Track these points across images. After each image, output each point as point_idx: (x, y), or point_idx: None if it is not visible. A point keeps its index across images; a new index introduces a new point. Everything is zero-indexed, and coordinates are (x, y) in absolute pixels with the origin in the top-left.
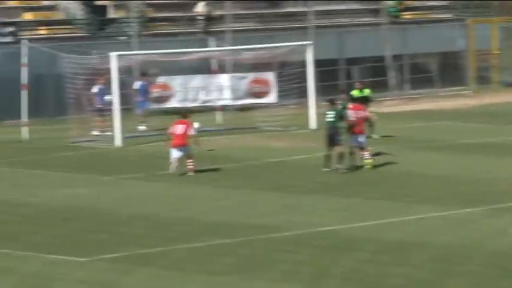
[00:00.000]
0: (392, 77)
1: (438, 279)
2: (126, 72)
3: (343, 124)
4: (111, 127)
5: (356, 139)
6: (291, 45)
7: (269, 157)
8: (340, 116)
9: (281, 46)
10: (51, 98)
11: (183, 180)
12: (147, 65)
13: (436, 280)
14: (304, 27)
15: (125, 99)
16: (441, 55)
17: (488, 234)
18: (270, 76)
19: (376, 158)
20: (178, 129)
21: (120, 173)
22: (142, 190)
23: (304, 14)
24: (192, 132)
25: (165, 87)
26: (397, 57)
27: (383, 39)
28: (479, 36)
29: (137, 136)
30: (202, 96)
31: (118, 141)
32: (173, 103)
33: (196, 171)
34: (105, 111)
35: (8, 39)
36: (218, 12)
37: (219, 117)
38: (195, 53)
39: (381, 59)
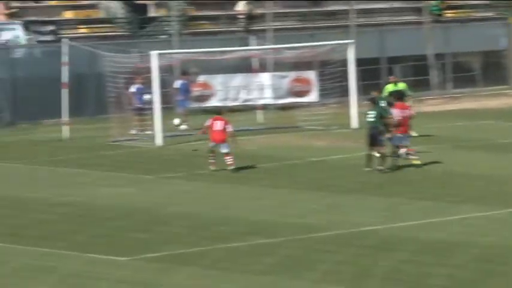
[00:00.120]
0: (434, 75)
1: (481, 280)
2: (166, 71)
3: (384, 124)
4: (150, 126)
5: (401, 138)
6: (332, 44)
7: (310, 156)
8: (381, 116)
9: (322, 45)
10: (92, 97)
11: (223, 180)
12: (188, 64)
13: (478, 280)
14: (346, 26)
15: (165, 98)
16: (483, 54)
17: None
18: (311, 75)
19: (415, 156)
20: (217, 125)
21: (161, 172)
22: (183, 189)
23: (345, 13)
24: (229, 129)
25: (205, 86)
26: (439, 56)
27: (425, 38)
28: None
29: (177, 135)
30: (243, 95)
31: (158, 140)
32: (214, 102)
33: (236, 169)
34: (144, 110)
35: (49, 37)
36: (259, 11)
37: (260, 116)
38: (236, 51)
39: (423, 57)
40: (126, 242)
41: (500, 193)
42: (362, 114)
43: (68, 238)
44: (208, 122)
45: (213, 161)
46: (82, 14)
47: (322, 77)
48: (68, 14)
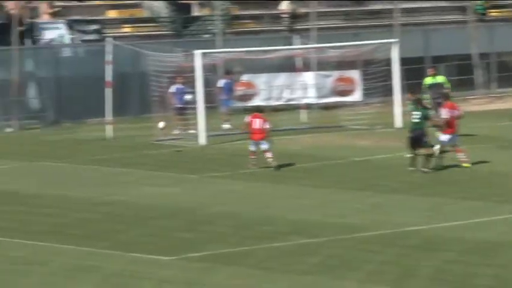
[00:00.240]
0: (479, 75)
1: None
2: (210, 71)
3: (428, 125)
4: (192, 126)
5: (449, 139)
6: (376, 43)
7: (353, 156)
8: (426, 117)
9: (366, 44)
10: (135, 96)
11: (266, 179)
12: (231, 63)
13: None
14: (390, 25)
15: (208, 97)
16: None
17: None
18: (355, 74)
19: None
20: (257, 123)
21: (204, 172)
22: (227, 188)
23: (389, 12)
24: (267, 126)
25: (249, 85)
26: (483, 56)
27: (469, 37)
28: None
29: (221, 134)
30: (286, 95)
31: (202, 140)
32: (257, 101)
33: (278, 167)
34: (185, 110)
35: (92, 37)
36: (303, 10)
37: (303, 115)
38: (279, 51)
39: (467, 57)
40: (169, 241)
41: None
42: (407, 114)
43: (111, 237)
44: (247, 119)
45: (254, 162)
46: (126, 13)
47: (365, 76)
48: (112, 13)
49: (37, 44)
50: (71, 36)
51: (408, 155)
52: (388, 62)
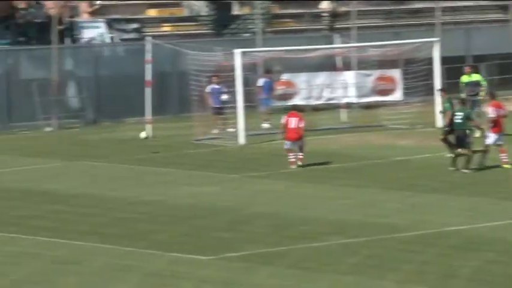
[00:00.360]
0: None
1: None
2: (250, 70)
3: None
4: (230, 125)
5: (495, 138)
6: (417, 42)
7: (394, 155)
8: (468, 117)
9: (407, 43)
10: (175, 95)
11: (306, 179)
12: (271, 62)
13: None
14: (431, 24)
15: (248, 96)
16: None
17: None
18: (396, 73)
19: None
20: (292, 122)
21: (244, 171)
22: (265, 188)
23: (430, 11)
24: (302, 125)
25: (289, 84)
26: None
27: (511, 36)
28: None
29: (260, 134)
30: (326, 94)
31: (241, 139)
32: (297, 100)
33: (303, 166)
34: (222, 109)
35: (132, 35)
36: (343, 9)
37: (343, 115)
38: (319, 50)
39: (509, 56)
40: (208, 241)
41: None
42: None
43: (150, 237)
44: (284, 119)
45: (293, 159)
46: (166, 12)
47: (406, 76)
48: (152, 12)
49: (77, 43)
50: (111, 35)
51: (449, 155)
52: (429, 61)
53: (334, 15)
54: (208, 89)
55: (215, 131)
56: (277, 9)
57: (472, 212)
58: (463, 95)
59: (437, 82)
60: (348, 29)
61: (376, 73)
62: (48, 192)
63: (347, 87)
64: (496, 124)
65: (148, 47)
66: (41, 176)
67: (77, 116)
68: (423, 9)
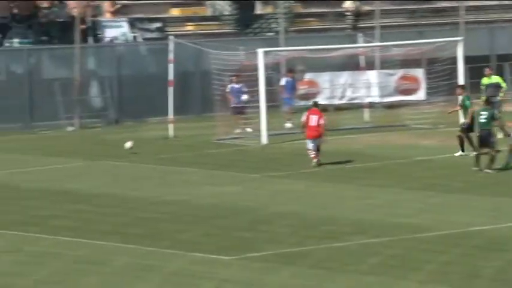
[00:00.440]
0: None
1: None
2: (273, 69)
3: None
4: (251, 125)
5: None
6: (441, 42)
7: (417, 155)
8: (493, 117)
9: (431, 42)
10: (197, 95)
11: (327, 179)
12: (294, 62)
13: None
14: (455, 23)
15: (270, 96)
16: None
17: None
18: (419, 73)
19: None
20: (313, 120)
21: (265, 171)
22: (287, 188)
23: (454, 10)
24: (322, 122)
25: (311, 83)
26: None
27: None
28: None
29: (282, 134)
30: (349, 93)
31: (263, 139)
32: (320, 100)
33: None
34: (243, 109)
35: (155, 35)
36: (367, 8)
37: (366, 114)
38: (342, 49)
39: None
40: (230, 241)
41: None
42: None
43: (172, 237)
44: (304, 117)
45: (313, 155)
46: (188, 11)
47: (429, 75)
48: (175, 11)
49: (99, 43)
50: (133, 34)
51: (473, 155)
52: (452, 61)
53: (358, 15)
54: (228, 88)
55: (237, 131)
56: (300, 8)
57: (495, 212)
58: (483, 97)
59: (461, 81)
60: (371, 28)
61: (399, 72)
62: (70, 192)
63: (370, 86)
64: None
65: (171, 46)
66: (63, 175)
67: (99, 116)
68: (447, 8)
